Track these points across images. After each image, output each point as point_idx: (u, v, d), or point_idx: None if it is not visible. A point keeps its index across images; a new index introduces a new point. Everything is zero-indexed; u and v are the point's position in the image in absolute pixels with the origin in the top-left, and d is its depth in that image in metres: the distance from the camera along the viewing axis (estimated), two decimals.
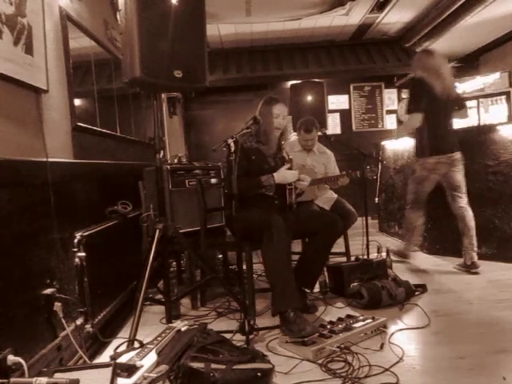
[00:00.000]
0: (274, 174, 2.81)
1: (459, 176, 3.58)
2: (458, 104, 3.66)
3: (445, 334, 2.39)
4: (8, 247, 1.70)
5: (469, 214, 3.58)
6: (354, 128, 7.39)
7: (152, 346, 1.97)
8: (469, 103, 6.70)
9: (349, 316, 2.56)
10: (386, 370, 1.98)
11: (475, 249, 3.54)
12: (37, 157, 1.99)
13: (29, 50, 1.95)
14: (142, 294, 2.31)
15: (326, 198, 3.84)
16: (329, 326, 2.39)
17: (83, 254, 2.21)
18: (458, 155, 3.55)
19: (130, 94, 3.76)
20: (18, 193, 1.81)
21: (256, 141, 2.94)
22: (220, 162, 3.59)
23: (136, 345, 2.10)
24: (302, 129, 3.86)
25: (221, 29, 5.92)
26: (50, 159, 2.04)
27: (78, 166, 2.48)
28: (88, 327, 2.21)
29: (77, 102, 2.57)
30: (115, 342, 2.38)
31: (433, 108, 3.47)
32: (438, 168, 3.55)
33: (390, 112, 7.48)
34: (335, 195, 3.92)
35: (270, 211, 2.71)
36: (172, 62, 2.31)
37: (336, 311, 2.82)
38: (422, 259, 4.13)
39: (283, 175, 2.84)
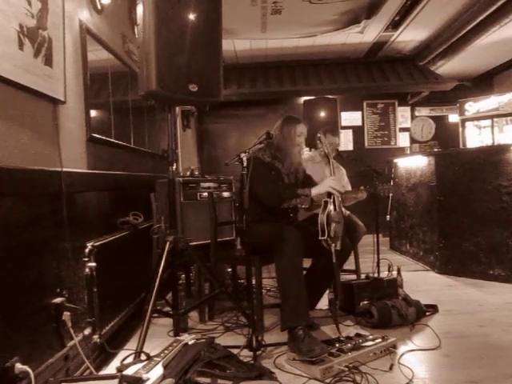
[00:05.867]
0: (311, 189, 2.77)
1: None
2: None
3: (456, 356, 2.34)
4: (20, 255, 1.72)
5: None
6: (366, 145, 7.40)
7: (159, 359, 1.96)
8: (483, 122, 6.70)
9: (358, 335, 2.53)
10: None
11: None
12: (52, 166, 2.01)
13: (48, 61, 1.99)
14: (150, 306, 2.31)
15: None
16: (337, 345, 2.36)
17: (94, 264, 2.22)
18: None
19: (144, 107, 3.81)
20: (32, 201, 1.83)
21: (271, 157, 2.94)
22: (232, 175, 3.61)
23: (143, 357, 2.09)
24: (328, 132, 3.81)
25: (236, 44, 5.99)
26: (64, 169, 2.06)
27: (92, 176, 2.51)
28: (96, 338, 2.21)
29: (92, 113, 2.61)
30: (122, 354, 2.38)
31: None
32: None
33: (402, 130, 7.48)
34: (347, 211, 3.90)
35: (283, 224, 2.70)
36: (188, 76, 2.35)
37: (345, 329, 2.78)
38: (434, 279, 4.08)
39: (320, 185, 2.78)
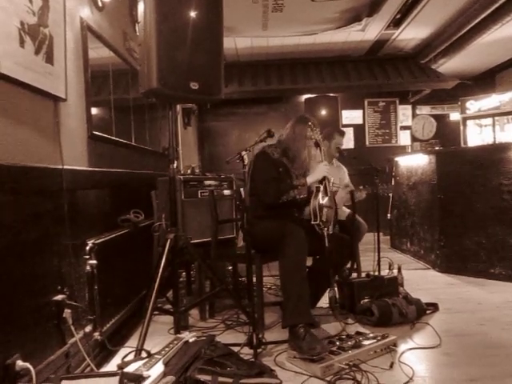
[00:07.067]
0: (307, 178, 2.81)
1: None
2: None
3: (456, 354, 2.35)
4: (21, 252, 1.72)
5: None
6: (367, 143, 7.38)
7: (159, 357, 1.96)
8: (484, 121, 6.70)
9: (358, 333, 2.53)
10: None
11: None
12: (53, 164, 2.01)
13: (49, 59, 1.99)
14: (151, 304, 2.31)
15: (340, 211, 3.82)
16: (338, 343, 2.36)
17: (94, 261, 2.22)
18: None
19: (145, 104, 3.81)
20: (33, 199, 1.83)
21: (280, 153, 2.93)
22: (233, 173, 3.61)
23: (143, 354, 2.10)
24: (336, 133, 3.86)
25: (237, 42, 5.98)
26: (65, 167, 2.06)
27: (93, 173, 2.51)
28: (96, 335, 2.22)
29: (93, 110, 2.60)
30: (123, 351, 2.38)
31: None
32: None
33: (404, 128, 7.47)
34: (348, 209, 3.91)
35: (287, 221, 2.70)
36: (189, 73, 2.34)
37: (345, 328, 2.78)
38: (434, 277, 4.08)
39: (314, 173, 2.81)
